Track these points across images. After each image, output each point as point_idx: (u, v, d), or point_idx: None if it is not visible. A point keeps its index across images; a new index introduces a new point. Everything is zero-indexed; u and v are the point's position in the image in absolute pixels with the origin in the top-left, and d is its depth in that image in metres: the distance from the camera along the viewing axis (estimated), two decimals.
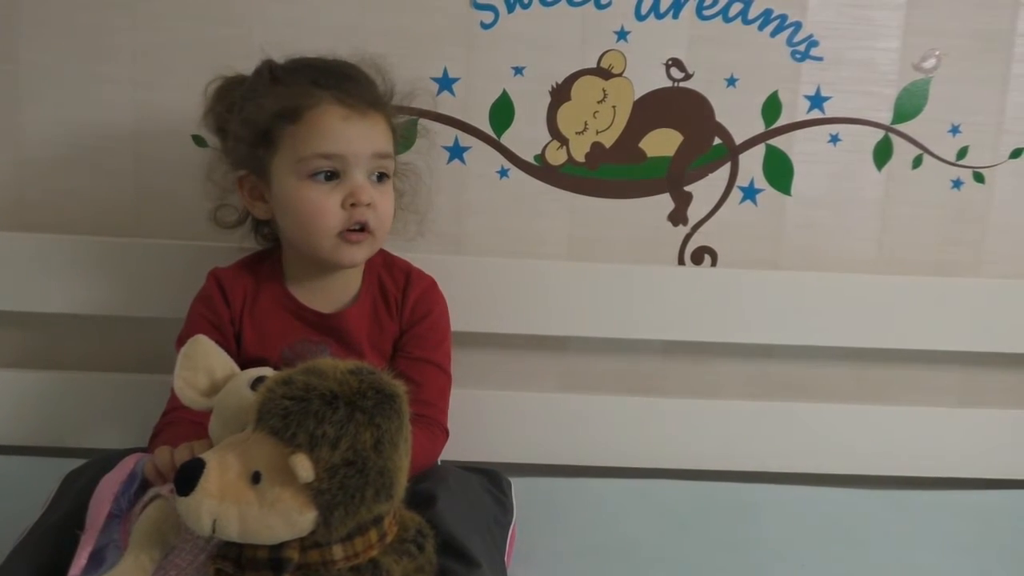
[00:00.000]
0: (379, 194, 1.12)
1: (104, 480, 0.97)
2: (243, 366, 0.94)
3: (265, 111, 1.10)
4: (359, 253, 1.13)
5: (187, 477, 0.78)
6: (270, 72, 1.13)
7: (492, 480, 1.22)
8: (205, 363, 0.90)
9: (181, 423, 1.09)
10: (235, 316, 1.17)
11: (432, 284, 1.23)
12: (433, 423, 1.17)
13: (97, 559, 0.89)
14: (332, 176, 1.10)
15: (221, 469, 0.79)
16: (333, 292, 1.19)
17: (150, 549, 0.84)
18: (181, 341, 1.12)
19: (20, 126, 1.34)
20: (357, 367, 0.83)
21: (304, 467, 0.77)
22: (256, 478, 0.79)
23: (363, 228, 1.11)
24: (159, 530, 0.85)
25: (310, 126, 1.08)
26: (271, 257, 1.21)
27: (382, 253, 1.23)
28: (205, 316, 1.17)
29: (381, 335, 1.19)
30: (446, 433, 1.20)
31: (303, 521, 0.79)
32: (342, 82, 1.11)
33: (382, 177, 1.13)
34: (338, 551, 0.83)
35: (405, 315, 1.20)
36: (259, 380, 0.86)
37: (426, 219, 1.33)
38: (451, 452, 1.22)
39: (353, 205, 1.09)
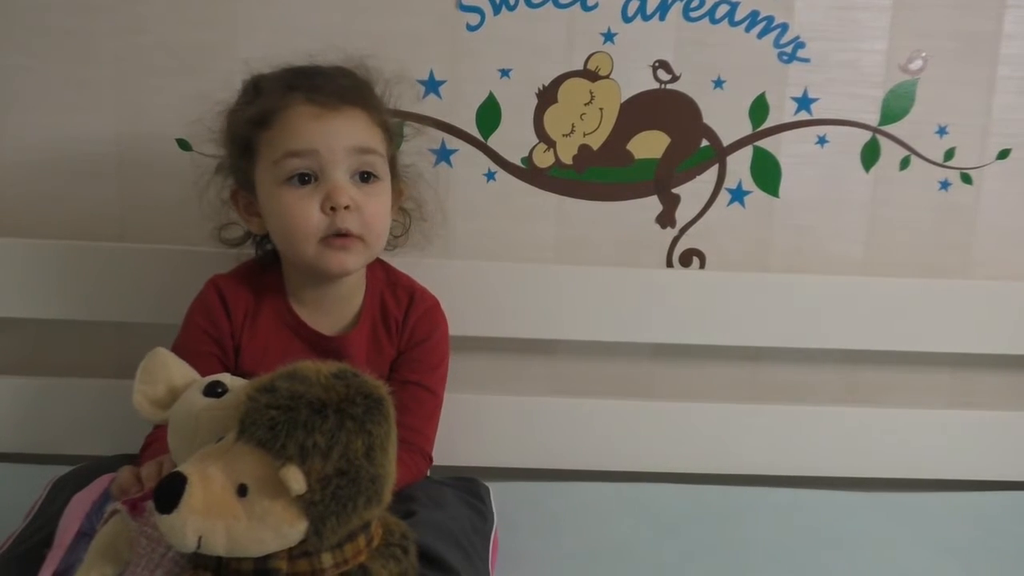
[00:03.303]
0: (364, 195, 1.07)
1: (75, 498, 0.96)
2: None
3: (242, 121, 1.09)
4: (348, 259, 1.08)
5: (168, 493, 0.75)
6: (253, 85, 1.12)
7: (468, 488, 1.20)
8: (164, 375, 0.87)
9: None
10: (236, 330, 1.14)
11: (435, 305, 1.21)
12: (416, 450, 1.15)
13: None
14: (309, 179, 1.06)
15: (204, 483, 0.76)
16: (335, 311, 1.16)
17: (103, 567, 0.83)
18: (177, 349, 1.11)
19: (2, 131, 1.33)
20: (340, 371, 0.82)
21: (296, 479, 0.75)
22: (242, 491, 0.77)
23: (348, 233, 1.07)
24: (113, 546, 0.84)
25: (281, 128, 1.06)
26: (273, 268, 1.18)
27: (385, 269, 1.22)
28: (204, 329, 1.14)
29: (380, 358, 1.17)
30: (429, 461, 1.19)
31: (294, 533, 0.77)
32: (313, 79, 1.08)
33: (368, 177, 1.09)
34: (327, 559, 0.81)
35: (404, 337, 1.18)
36: (212, 385, 0.84)
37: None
38: (441, 457, 1.22)
39: (333, 209, 1.05)
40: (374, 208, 1.08)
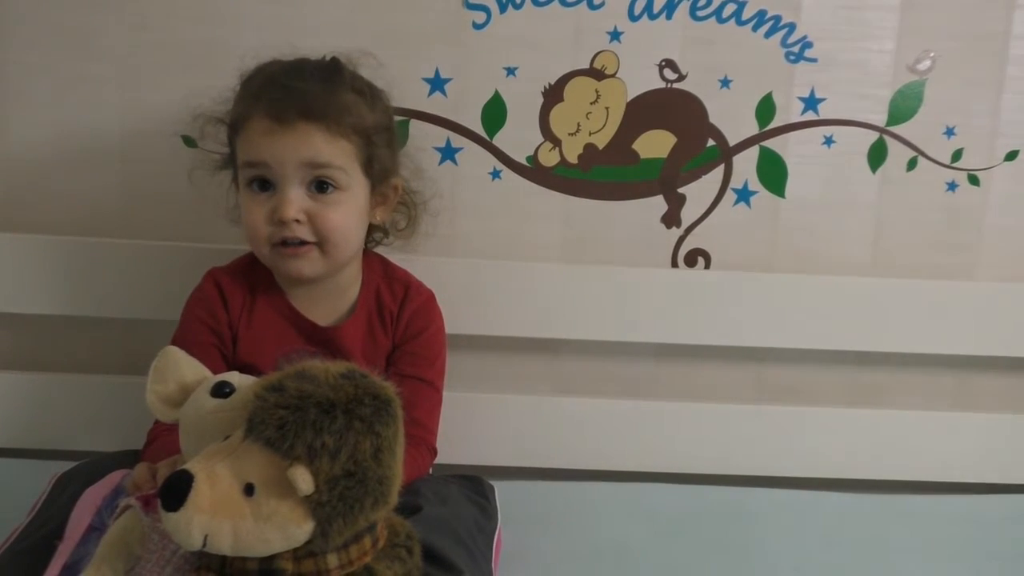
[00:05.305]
0: (319, 206, 1.08)
1: (87, 492, 0.96)
2: (235, 370, 0.92)
3: (228, 123, 1.14)
4: (304, 266, 1.10)
5: (175, 491, 0.74)
6: (242, 84, 1.14)
7: (474, 486, 1.21)
8: (176, 375, 0.87)
9: (175, 430, 1.06)
10: (233, 320, 1.15)
11: (430, 299, 1.22)
12: (421, 443, 1.15)
13: (71, 572, 0.88)
14: (266, 185, 1.08)
15: (211, 481, 0.75)
16: (330, 302, 1.17)
17: (114, 561, 0.83)
18: (177, 341, 1.11)
19: (7, 127, 1.33)
20: (349, 371, 0.81)
21: (304, 480, 0.74)
22: (249, 490, 0.76)
23: (302, 242, 1.08)
24: (124, 541, 0.84)
25: (243, 137, 1.09)
26: None
27: (383, 262, 1.23)
28: (203, 320, 1.15)
29: (375, 350, 1.17)
30: (434, 453, 1.19)
31: (300, 533, 0.77)
32: (278, 89, 1.08)
33: (325, 187, 1.08)
34: (333, 560, 0.81)
35: (399, 330, 1.18)
36: (219, 385, 0.84)
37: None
38: (443, 456, 1.22)
39: (281, 221, 1.07)
40: (330, 219, 1.09)
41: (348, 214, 1.11)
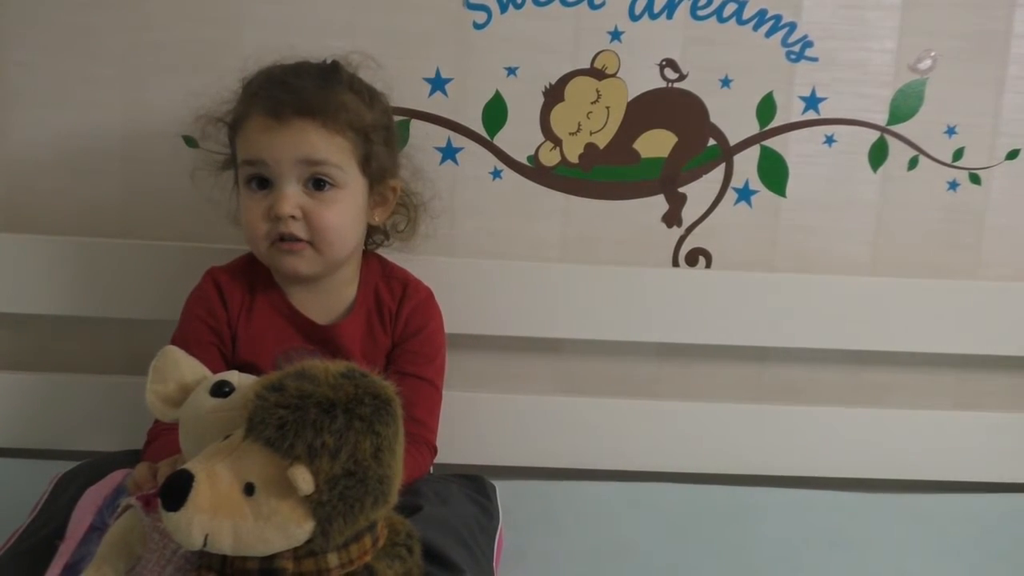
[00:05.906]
0: (315, 203, 1.08)
1: (88, 492, 0.96)
2: (235, 369, 0.92)
3: (228, 123, 1.15)
4: (299, 263, 1.10)
5: (175, 491, 0.74)
6: (243, 85, 1.14)
7: (475, 486, 1.21)
8: (175, 374, 0.86)
9: (175, 430, 1.07)
10: (232, 319, 1.16)
11: (428, 297, 1.22)
12: (421, 442, 1.15)
13: (72, 572, 0.88)
14: (264, 184, 1.09)
15: (211, 481, 0.75)
16: (329, 301, 1.17)
17: (115, 561, 0.83)
18: (177, 340, 1.12)
19: (7, 127, 1.33)
20: (349, 370, 0.81)
21: (304, 479, 0.74)
22: (249, 489, 0.76)
23: (297, 239, 1.09)
24: (125, 541, 0.84)
25: (242, 136, 1.10)
26: None
27: (381, 261, 1.23)
28: (202, 318, 1.15)
29: (375, 348, 1.17)
30: (434, 452, 1.19)
31: (301, 533, 0.77)
32: (276, 87, 1.09)
33: (322, 185, 1.09)
34: (333, 559, 0.81)
35: (398, 328, 1.18)
36: (219, 384, 0.84)
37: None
38: (445, 455, 1.22)
39: (278, 217, 1.08)
40: (326, 217, 1.09)
41: (344, 212, 1.11)
